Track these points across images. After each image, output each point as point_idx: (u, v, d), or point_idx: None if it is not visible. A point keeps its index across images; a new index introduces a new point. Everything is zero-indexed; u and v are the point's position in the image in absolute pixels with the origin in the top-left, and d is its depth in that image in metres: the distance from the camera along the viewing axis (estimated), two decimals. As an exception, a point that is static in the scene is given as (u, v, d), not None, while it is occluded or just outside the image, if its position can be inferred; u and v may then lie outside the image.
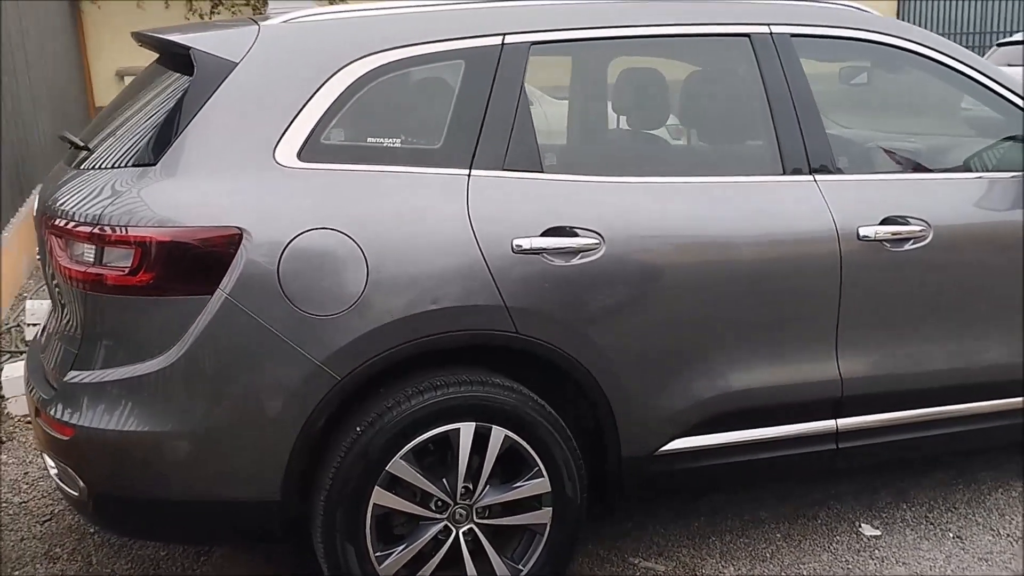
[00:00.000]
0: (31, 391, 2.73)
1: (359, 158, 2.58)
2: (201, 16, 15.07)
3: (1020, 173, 3.19)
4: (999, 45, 14.54)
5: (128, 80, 16.00)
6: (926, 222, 2.97)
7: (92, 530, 3.30)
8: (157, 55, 3.04)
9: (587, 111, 3.50)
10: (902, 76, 3.46)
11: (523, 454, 2.65)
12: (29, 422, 4.24)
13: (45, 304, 5.46)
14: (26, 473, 3.77)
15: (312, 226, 2.45)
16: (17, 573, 3.06)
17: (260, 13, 15.24)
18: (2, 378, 4.38)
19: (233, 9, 15.31)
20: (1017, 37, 14.55)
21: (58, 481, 2.67)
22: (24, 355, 4.93)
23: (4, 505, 3.50)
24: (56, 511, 3.45)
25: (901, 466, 3.66)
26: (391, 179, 2.57)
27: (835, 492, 3.52)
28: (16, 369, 4.39)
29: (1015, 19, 18.52)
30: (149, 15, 14.97)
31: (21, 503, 3.52)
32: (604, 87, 3.36)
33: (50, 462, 2.67)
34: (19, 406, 4.29)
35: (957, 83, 3.19)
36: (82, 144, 2.76)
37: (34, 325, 5.31)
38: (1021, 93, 3.18)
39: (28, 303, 5.39)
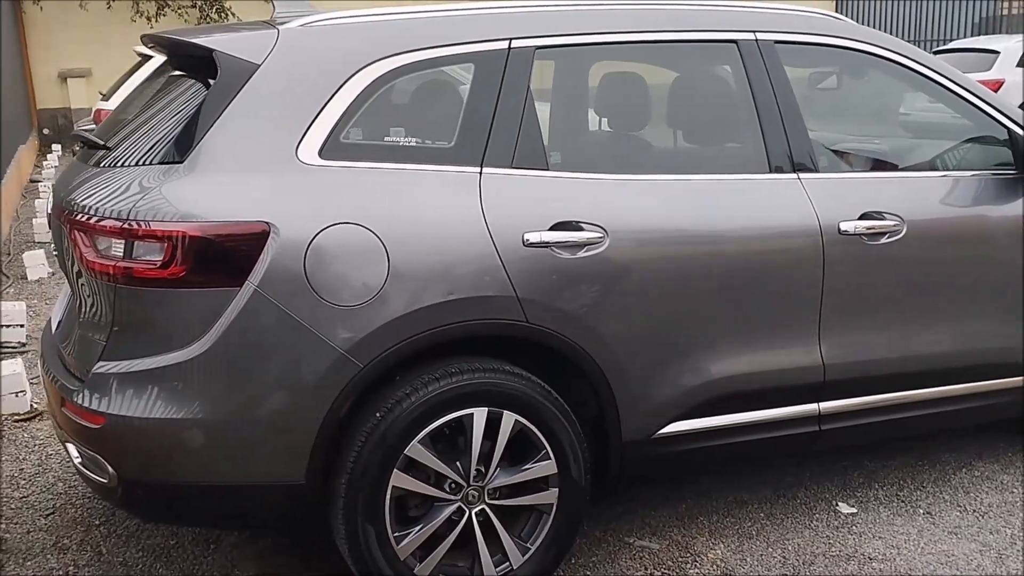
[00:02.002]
0: (54, 381, 2.79)
1: (377, 156, 2.71)
2: (149, 19, 14.91)
3: (981, 172, 3.43)
4: (936, 53, 15.12)
5: (72, 82, 15.69)
6: (900, 217, 3.18)
7: (98, 521, 3.36)
8: (165, 58, 3.14)
9: (589, 112, 3.65)
10: (874, 81, 3.68)
11: (531, 438, 2.78)
12: (19, 421, 4.26)
13: (18, 306, 5.46)
14: (22, 470, 3.80)
15: (335, 221, 2.56)
16: (29, 563, 3.11)
17: (206, 15, 15.14)
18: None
19: (179, 11, 15.20)
20: (953, 45, 15.12)
21: (83, 469, 2.74)
22: (11, 356, 4.94)
23: (5, 500, 3.53)
24: (59, 505, 3.50)
25: (869, 450, 3.88)
26: (408, 176, 2.70)
27: (809, 474, 3.72)
28: (5, 369, 4.40)
29: (951, 27, 19.23)
30: (92, 16, 14.78)
31: (22, 498, 3.56)
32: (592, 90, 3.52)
33: (74, 451, 2.74)
34: (9, 405, 4.30)
35: (925, 89, 3.41)
36: (101, 143, 2.84)
37: (13, 327, 5.30)
38: (984, 98, 3.42)
39: (3, 305, 5.38)
